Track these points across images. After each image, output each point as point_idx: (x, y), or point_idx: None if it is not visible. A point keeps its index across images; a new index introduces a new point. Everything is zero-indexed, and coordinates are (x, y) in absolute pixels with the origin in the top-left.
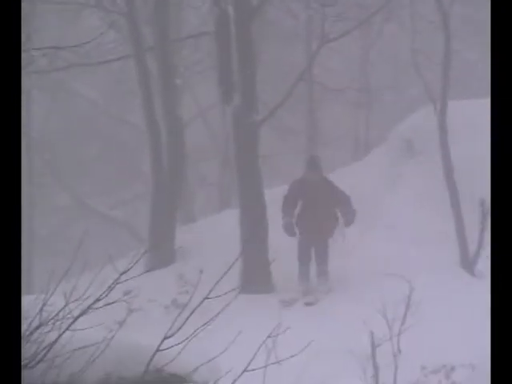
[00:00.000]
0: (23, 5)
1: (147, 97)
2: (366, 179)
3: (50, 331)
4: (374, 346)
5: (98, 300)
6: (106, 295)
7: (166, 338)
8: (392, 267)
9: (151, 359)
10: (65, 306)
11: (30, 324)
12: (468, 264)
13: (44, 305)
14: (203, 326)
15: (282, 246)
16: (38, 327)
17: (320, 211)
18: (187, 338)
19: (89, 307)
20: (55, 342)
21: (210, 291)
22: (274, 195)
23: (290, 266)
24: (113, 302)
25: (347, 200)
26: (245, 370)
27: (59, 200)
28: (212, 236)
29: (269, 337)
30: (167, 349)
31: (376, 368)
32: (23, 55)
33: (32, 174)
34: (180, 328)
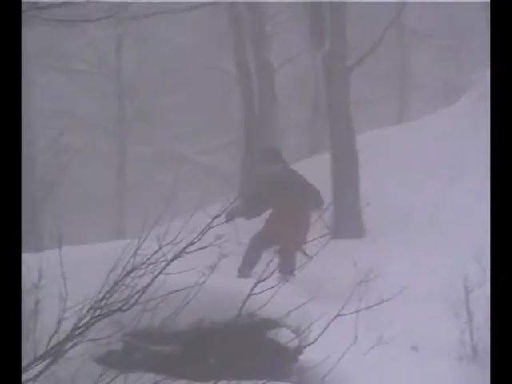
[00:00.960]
0: None
1: (238, 43)
2: (455, 125)
3: (143, 275)
4: (467, 291)
5: (190, 244)
6: (199, 239)
7: (258, 282)
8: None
9: (243, 304)
10: (158, 249)
11: (124, 268)
12: None
13: (137, 249)
14: (296, 268)
15: (373, 191)
16: (131, 271)
17: (286, 213)
18: (279, 283)
19: (182, 251)
20: (149, 285)
21: (304, 237)
22: (365, 141)
23: (381, 210)
24: (205, 246)
25: (316, 196)
26: (337, 315)
27: (150, 147)
28: None
29: (361, 282)
30: (260, 293)
31: (470, 313)
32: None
33: (123, 121)
34: (273, 272)
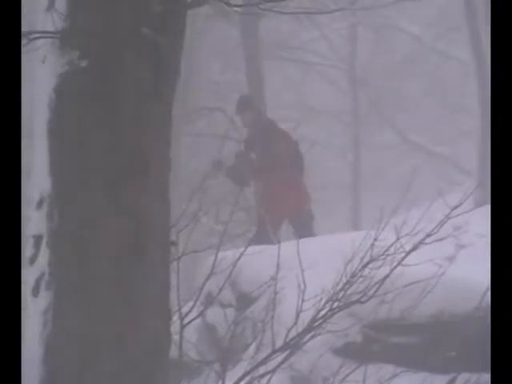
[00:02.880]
0: None
1: (474, 31)
2: None
3: (380, 267)
4: None
5: (429, 235)
6: (438, 230)
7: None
8: None
9: (483, 296)
10: (396, 240)
11: (361, 259)
12: None
13: (375, 240)
14: None
15: None
16: (369, 262)
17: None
18: None
19: (420, 242)
20: (387, 276)
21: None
22: None
23: None
24: (444, 238)
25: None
26: None
27: (385, 137)
28: None
29: None
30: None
31: None
32: None
33: (357, 112)
34: None
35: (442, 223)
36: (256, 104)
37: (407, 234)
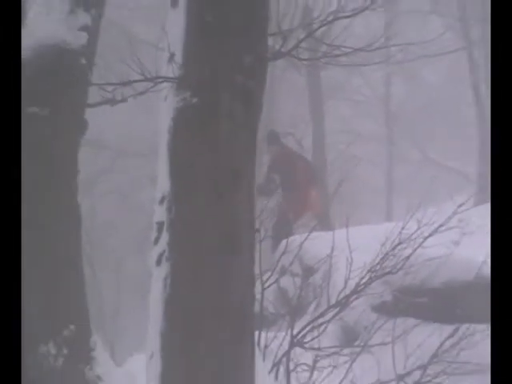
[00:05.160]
0: None
1: (480, 99)
2: None
3: (405, 248)
4: None
5: (441, 225)
6: (447, 222)
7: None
8: None
9: (480, 268)
10: (417, 229)
11: (392, 242)
12: None
13: (402, 229)
14: None
15: None
16: (398, 245)
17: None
18: None
19: (435, 230)
20: (410, 255)
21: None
22: None
23: None
24: (451, 228)
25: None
26: None
27: (410, 155)
28: None
29: None
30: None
31: None
32: (384, 51)
33: (391, 138)
34: None
35: (450, 217)
36: (280, 139)
37: (425, 225)
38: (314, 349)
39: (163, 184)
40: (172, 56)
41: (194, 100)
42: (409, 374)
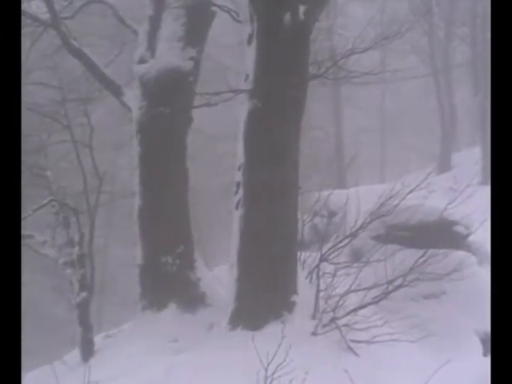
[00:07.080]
0: None
1: (442, 106)
2: None
3: (394, 200)
4: None
5: (416, 186)
6: (420, 184)
7: (449, 203)
8: None
9: (441, 212)
10: (401, 188)
11: (386, 196)
12: None
13: (392, 188)
14: None
15: None
16: (389, 198)
17: None
18: None
19: (412, 189)
20: (398, 204)
21: None
22: None
23: None
24: (423, 188)
25: None
26: None
27: (396, 142)
28: None
29: None
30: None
31: None
32: (380, 75)
33: (384, 132)
34: None
35: (422, 181)
36: None
37: (406, 186)
38: (334, 263)
39: (240, 157)
40: (247, 76)
41: (260, 105)
42: (394, 279)
